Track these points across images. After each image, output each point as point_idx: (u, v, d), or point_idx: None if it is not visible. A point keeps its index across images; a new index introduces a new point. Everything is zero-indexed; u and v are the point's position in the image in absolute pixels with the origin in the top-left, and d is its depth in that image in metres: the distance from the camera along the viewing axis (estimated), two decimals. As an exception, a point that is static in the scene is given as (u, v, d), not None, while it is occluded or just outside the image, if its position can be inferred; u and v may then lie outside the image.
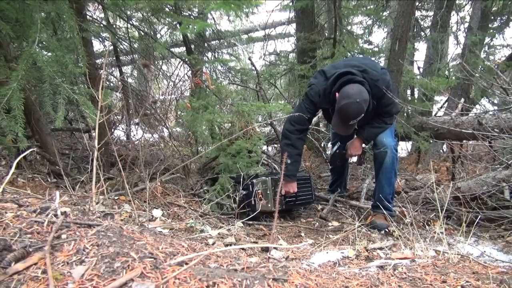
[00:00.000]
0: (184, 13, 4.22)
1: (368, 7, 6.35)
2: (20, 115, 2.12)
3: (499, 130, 3.43)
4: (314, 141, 4.85)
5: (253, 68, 4.39)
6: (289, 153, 2.93)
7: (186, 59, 4.17)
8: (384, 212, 2.80)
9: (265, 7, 6.50)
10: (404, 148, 6.20)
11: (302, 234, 2.85)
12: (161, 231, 2.17)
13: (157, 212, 2.67)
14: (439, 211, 2.35)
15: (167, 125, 4.44)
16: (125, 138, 4.63)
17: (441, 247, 2.06)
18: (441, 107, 6.43)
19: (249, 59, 4.48)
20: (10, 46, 2.56)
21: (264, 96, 4.46)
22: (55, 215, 1.52)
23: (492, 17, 6.87)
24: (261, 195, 3.03)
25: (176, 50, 5.32)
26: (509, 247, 2.48)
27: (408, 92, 5.99)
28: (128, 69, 5.41)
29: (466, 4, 7.10)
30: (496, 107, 6.20)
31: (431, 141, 4.42)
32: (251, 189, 3.02)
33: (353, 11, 5.77)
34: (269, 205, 3.06)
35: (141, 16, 4.06)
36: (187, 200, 3.12)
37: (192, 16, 4.35)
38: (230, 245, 2.17)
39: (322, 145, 4.96)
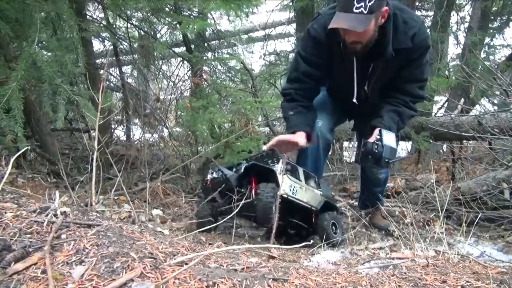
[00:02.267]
0: (184, 13, 4.21)
1: (368, 7, 6.32)
2: (19, 115, 2.12)
3: (499, 131, 3.42)
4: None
5: (247, 70, 4.35)
6: (290, 107, 2.33)
7: (187, 58, 4.17)
8: (378, 206, 2.80)
9: (265, 7, 6.50)
10: (404, 148, 6.19)
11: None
12: (161, 231, 2.17)
13: (157, 212, 2.67)
14: (439, 211, 2.34)
15: (167, 125, 4.43)
16: (125, 138, 4.63)
17: (441, 247, 2.06)
18: (441, 107, 6.43)
19: (241, 62, 4.44)
20: (10, 46, 2.56)
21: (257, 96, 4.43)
22: (55, 215, 1.51)
23: (492, 17, 6.88)
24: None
25: (176, 50, 5.33)
26: (509, 247, 2.48)
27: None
28: (128, 69, 5.41)
29: (466, 4, 7.10)
30: (496, 107, 6.20)
31: (430, 141, 4.41)
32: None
33: (353, 11, 5.74)
34: None
35: (141, 16, 4.06)
36: (187, 200, 3.12)
37: (192, 16, 4.35)
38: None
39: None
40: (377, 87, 2.35)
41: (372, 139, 2.16)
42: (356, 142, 3.22)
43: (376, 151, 2.10)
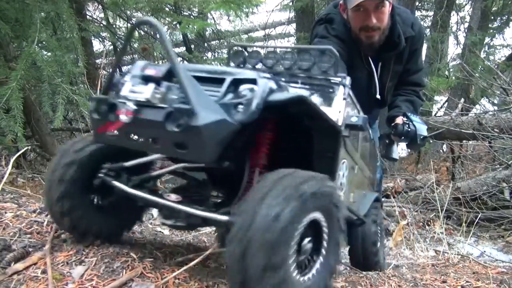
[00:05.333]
0: (184, 13, 4.21)
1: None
2: (19, 115, 2.12)
3: (499, 130, 3.42)
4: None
5: None
6: None
7: (187, 58, 4.17)
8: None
9: (265, 7, 6.49)
10: (404, 148, 6.19)
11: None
12: (161, 231, 2.17)
13: (156, 212, 2.67)
14: (439, 211, 2.35)
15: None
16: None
17: (441, 247, 2.06)
18: (441, 107, 6.43)
19: None
20: (10, 46, 2.56)
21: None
22: (55, 215, 1.51)
23: (492, 17, 6.88)
24: None
25: (176, 50, 5.33)
26: (509, 247, 2.48)
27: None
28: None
29: (466, 4, 7.10)
30: (496, 107, 6.20)
31: (431, 141, 4.41)
32: None
33: (353, 11, 5.74)
34: None
35: (141, 16, 4.06)
36: (187, 200, 3.12)
37: (192, 16, 4.35)
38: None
39: None
40: (392, 85, 2.30)
41: (399, 121, 2.06)
42: None
43: (409, 129, 2.01)
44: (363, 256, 1.62)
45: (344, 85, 1.32)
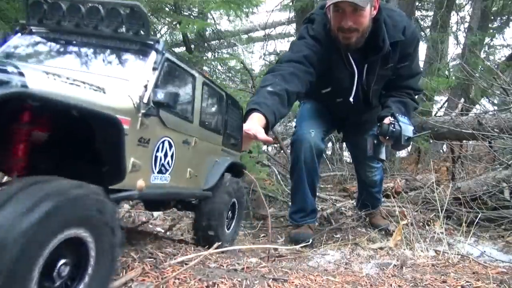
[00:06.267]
0: (184, 13, 4.21)
1: (368, 7, 6.34)
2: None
3: (499, 130, 3.42)
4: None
5: (247, 70, 4.35)
6: (273, 82, 1.92)
7: (187, 58, 4.17)
8: (378, 207, 2.81)
9: (265, 7, 6.49)
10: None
11: (302, 234, 2.84)
12: (161, 231, 2.17)
13: (157, 212, 2.67)
14: (439, 211, 2.35)
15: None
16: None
17: (441, 247, 2.06)
18: (441, 107, 6.44)
19: (241, 62, 4.44)
20: (10, 46, 2.56)
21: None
22: (55, 215, 1.51)
23: (492, 17, 6.89)
24: None
25: (176, 50, 5.33)
26: (509, 247, 2.47)
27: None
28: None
29: (466, 4, 7.11)
30: (496, 107, 6.20)
31: (431, 141, 4.42)
32: None
33: (353, 11, 5.74)
34: None
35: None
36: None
37: (192, 16, 4.35)
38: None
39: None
40: (378, 89, 2.32)
41: (386, 122, 2.07)
42: (349, 153, 3.21)
43: (394, 129, 2.01)
44: (207, 227, 1.55)
45: (157, 51, 1.12)
